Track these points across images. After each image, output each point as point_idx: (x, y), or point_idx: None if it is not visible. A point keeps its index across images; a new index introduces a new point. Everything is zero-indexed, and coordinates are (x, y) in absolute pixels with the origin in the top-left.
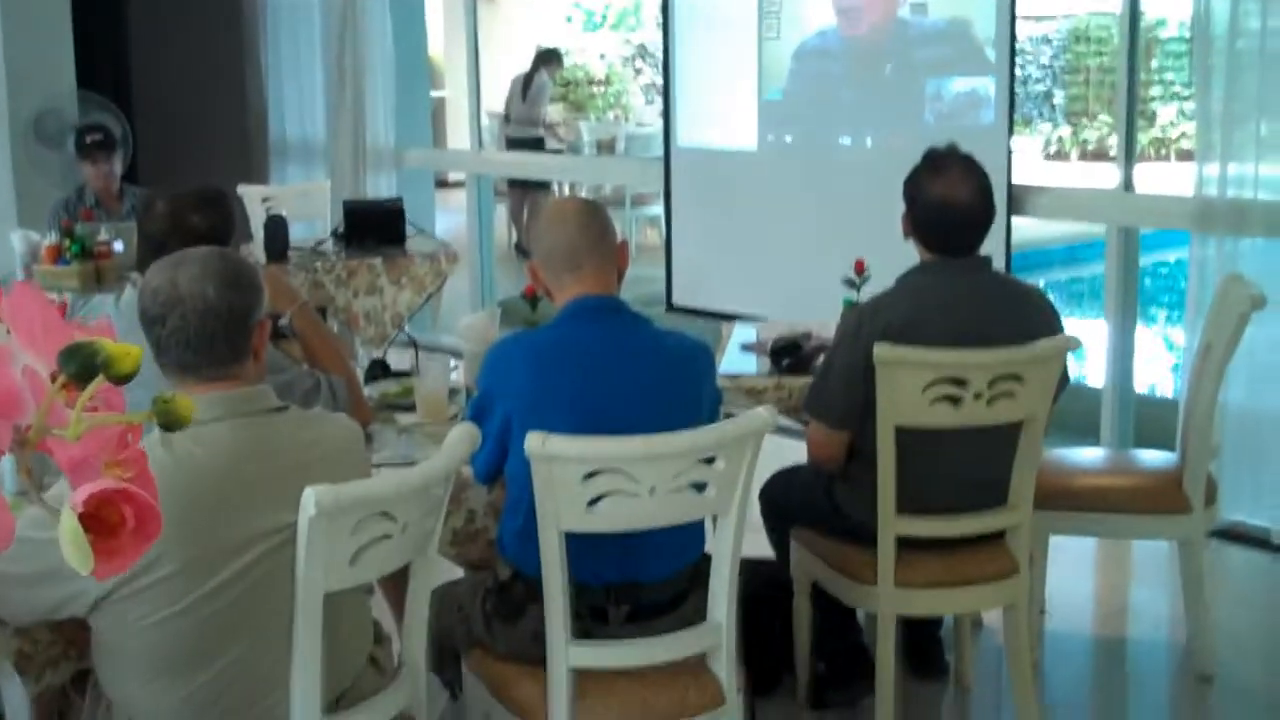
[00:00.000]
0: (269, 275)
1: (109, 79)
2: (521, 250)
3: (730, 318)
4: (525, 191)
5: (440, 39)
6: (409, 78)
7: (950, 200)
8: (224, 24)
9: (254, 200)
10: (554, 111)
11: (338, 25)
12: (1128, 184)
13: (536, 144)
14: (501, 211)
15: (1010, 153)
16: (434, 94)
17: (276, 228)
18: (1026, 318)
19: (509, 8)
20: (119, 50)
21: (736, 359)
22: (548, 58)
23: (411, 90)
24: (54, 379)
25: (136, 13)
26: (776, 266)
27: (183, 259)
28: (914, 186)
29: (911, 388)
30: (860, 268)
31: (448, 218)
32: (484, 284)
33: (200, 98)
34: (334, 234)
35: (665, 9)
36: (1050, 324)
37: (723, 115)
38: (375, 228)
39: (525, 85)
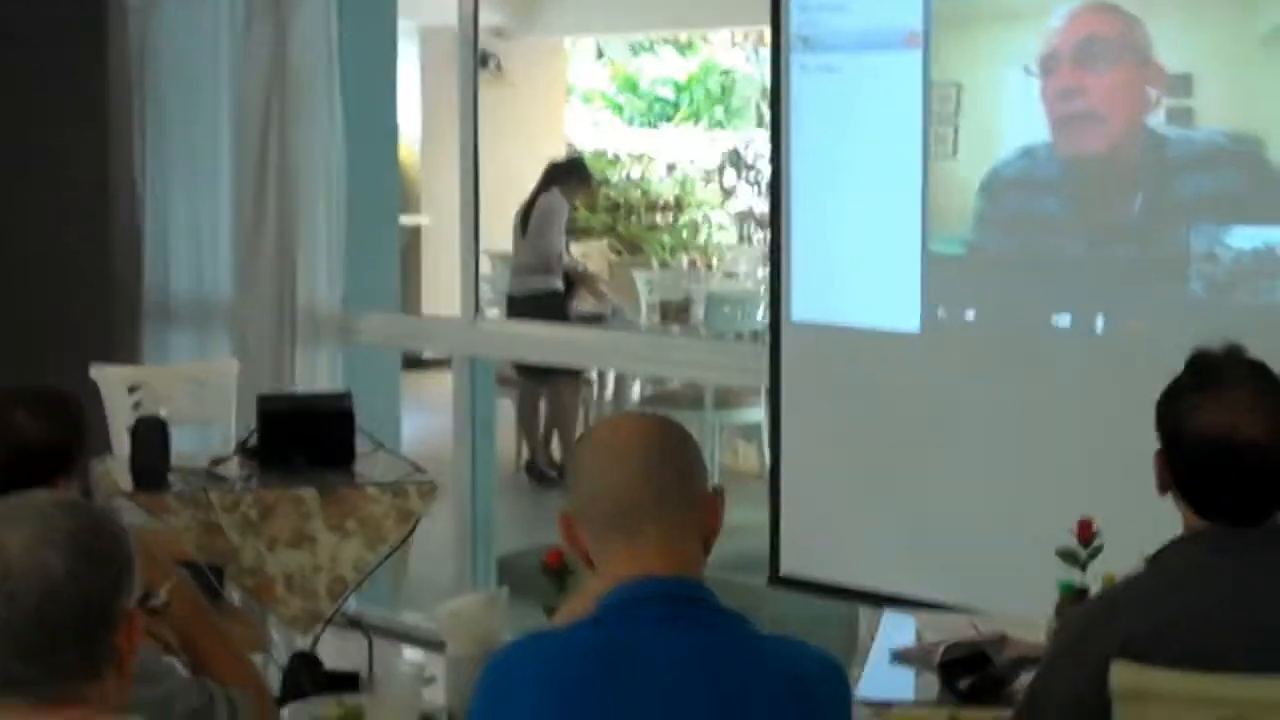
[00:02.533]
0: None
1: None
2: (535, 473)
3: (873, 600)
4: (542, 381)
5: (415, 137)
6: (367, 200)
7: (1231, 437)
8: (78, 117)
9: (116, 389)
10: (593, 253)
11: (258, 122)
12: None
13: (551, 301)
14: (507, 410)
15: None
16: (405, 220)
17: (150, 437)
18: None
19: (524, 86)
20: None
21: (884, 674)
22: (562, 173)
23: (371, 219)
24: None
25: None
26: (949, 522)
27: (10, 511)
28: (1174, 414)
29: None
30: (1086, 533)
31: (422, 419)
32: (476, 530)
33: (37, 230)
34: (241, 447)
35: (775, 97)
36: None
37: (866, 275)
38: (307, 439)
39: (524, 216)
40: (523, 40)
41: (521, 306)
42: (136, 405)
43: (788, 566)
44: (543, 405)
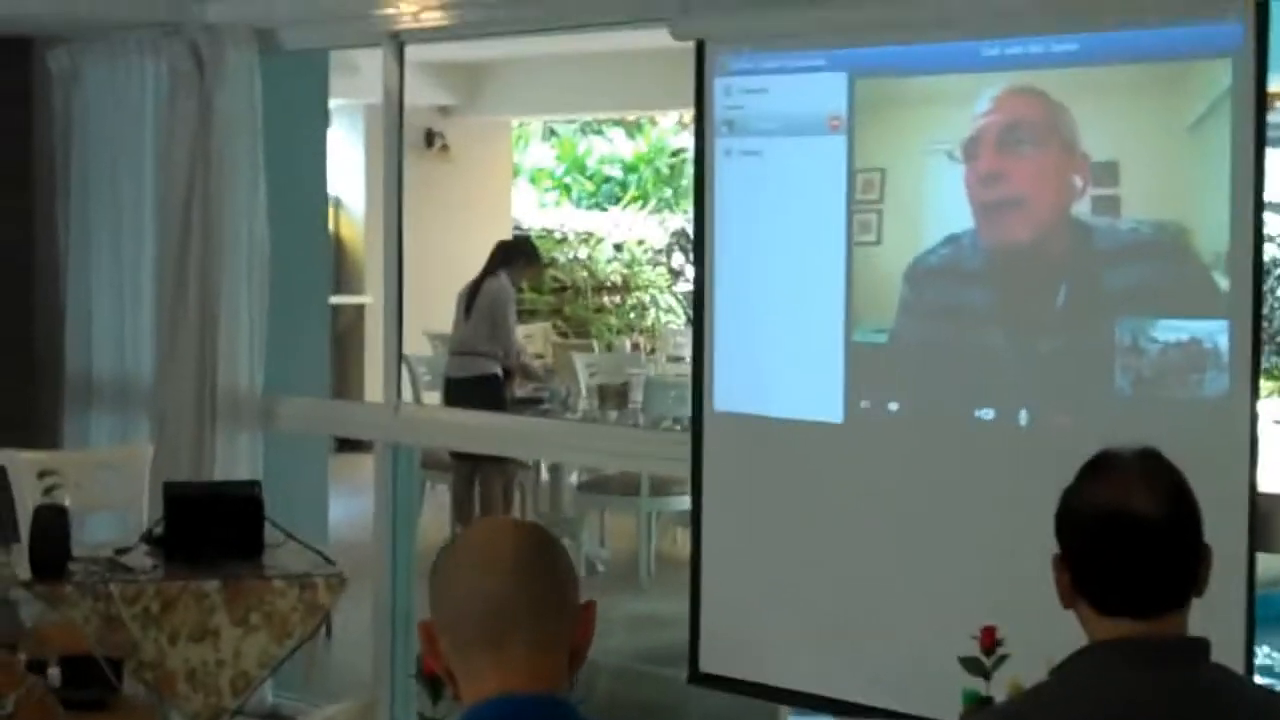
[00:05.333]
0: None
1: None
2: None
3: (791, 699)
4: (476, 465)
5: (360, 215)
6: (296, 280)
7: (1123, 512)
8: (1, 190)
9: (26, 475)
10: (537, 334)
11: (180, 198)
12: None
13: (490, 384)
14: (444, 495)
15: (1255, 444)
16: (349, 300)
17: (49, 525)
18: None
19: (470, 165)
20: None
21: None
22: (510, 255)
23: (300, 300)
24: None
25: None
26: (867, 622)
27: None
28: (1067, 504)
29: None
30: (990, 640)
31: (356, 501)
32: (395, 619)
33: None
34: (147, 536)
35: (699, 183)
36: None
37: (789, 364)
38: (215, 528)
39: (470, 297)
40: (469, 119)
41: (459, 389)
42: (48, 491)
43: (706, 663)
44: (475, 489)
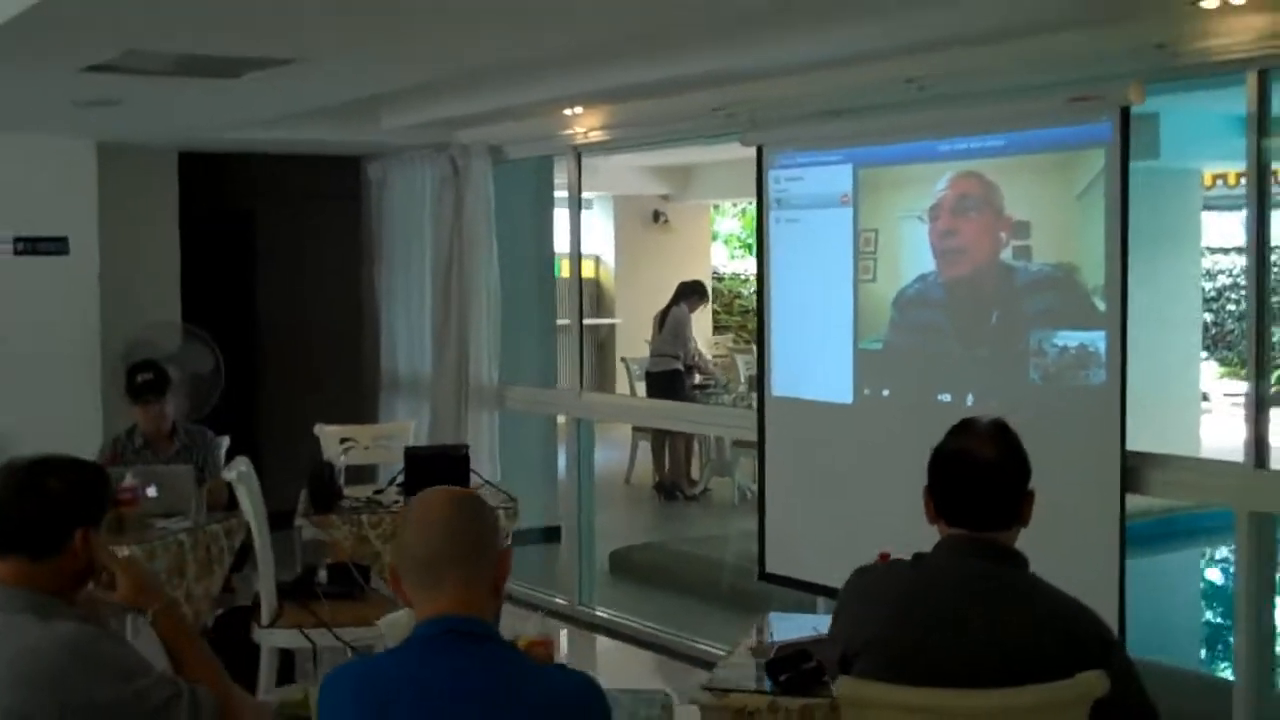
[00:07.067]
0: (126, 567)
1: (237, 313)
2: (662, 489)
3: (822, 590)
4: (665, 432)
5: (612, 266)
6: (529, 308)
7: (967, 454)
8: (342, 254)
9: (331, 441)
10: (718, 344)
11: (445, 256)
12: (1260, 453)
13: (675, 377)
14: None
15: (1124, 416)
16: (608, 321)
17: (321, 476)
18: (1048, 639)
19: (683, 233)
20: (247, 284)
21: (747, 666)
22: (688, 291)
23: (531, 321)
24: None
25: (265, 249)
26: (872, 537)
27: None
28: (935, 451)
29: None
30: (886, 560)
31: (602, 452)
32: (581, 533)
33: (319, 331)
34: (392, 482)
35: (759, 241)
36: (1072, 654)
37: (818, 363)
38: (437, 476)
39: (661, 319)
40: (682, 203)
41: (654, 381)
42: (345, 452)
43: (771, 567)
44: (666, 446)
